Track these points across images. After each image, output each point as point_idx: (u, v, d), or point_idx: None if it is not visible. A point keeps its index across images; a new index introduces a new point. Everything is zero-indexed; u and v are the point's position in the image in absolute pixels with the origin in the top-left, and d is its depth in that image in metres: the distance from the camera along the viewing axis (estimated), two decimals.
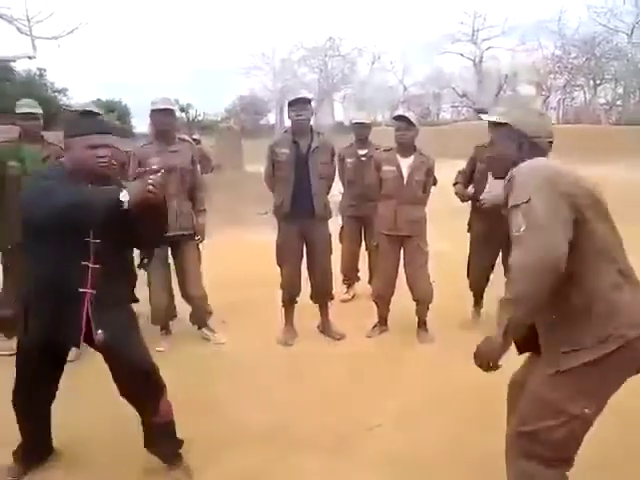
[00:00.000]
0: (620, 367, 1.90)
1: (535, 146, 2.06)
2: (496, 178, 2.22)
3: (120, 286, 2.64)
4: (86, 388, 3.46)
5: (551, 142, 2.11)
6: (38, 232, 2.40)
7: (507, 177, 1.96)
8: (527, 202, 1.81)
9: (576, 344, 1.89)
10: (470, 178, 4.62)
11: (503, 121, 2.13)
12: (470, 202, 4.66)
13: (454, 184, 4.70)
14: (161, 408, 2.71)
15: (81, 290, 2.46)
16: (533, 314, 1.90)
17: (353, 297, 5.59)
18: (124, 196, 2.23)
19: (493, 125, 2.20)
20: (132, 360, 2.64)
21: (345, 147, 5.47)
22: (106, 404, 2.97)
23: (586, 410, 1.90)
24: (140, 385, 2.66)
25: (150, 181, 2.29)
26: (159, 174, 2.34)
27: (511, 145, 2.09)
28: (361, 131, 5.33)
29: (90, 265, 2.46)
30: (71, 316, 2.46)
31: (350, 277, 5.61)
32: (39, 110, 4.29)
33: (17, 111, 4.30)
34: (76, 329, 2.47)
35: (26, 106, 4.28)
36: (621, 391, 1.96)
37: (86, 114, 4.33)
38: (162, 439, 2.77)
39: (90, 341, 2.53)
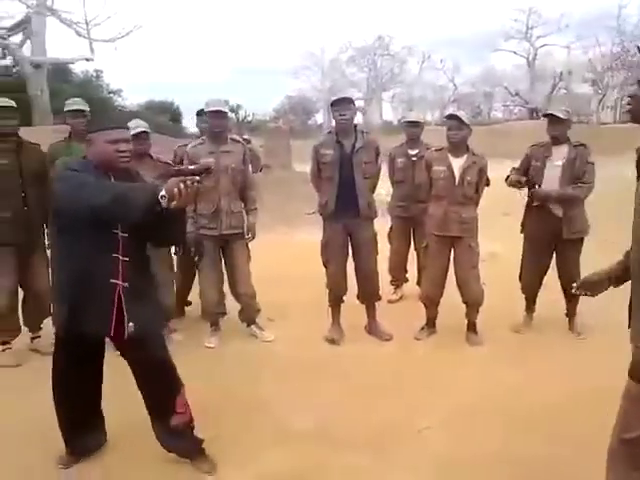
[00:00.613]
0: None
1: None
2: (633, 122, 2.01)
3: (147, 280, 2.70)
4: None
5: None
6: (73, 224, 2.45)
7: None
8: None
9: None
10: (525, 175, 4.50)
11: None
12: (525, 203, 4.55)
13: (506, 178, 4.57)
14: (178, 406, 2.74)
15: (113, 281, 2.51)
16: None
17: (401, 298, 5.54)
18: (163, 197, 2.26)
19: None
20: (156, 355, 2.70)
21: (396, 146, 5.41)
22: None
23: None
24: (160, 380, 2.71)
25: (182, 182, 2.29)
26: (195, 177, 2.34)
27: None
28: (412, 130, 5.25)
29: (120, 257, 2.52)
30: (102, 307, 2.52)
31: (398, 278, 5.56)
32: (87, 107, 4.41)
33: (66, 109, 4.44)
34: (106, 319, 2.52)
35: (75, 104, 4.42)
36: None
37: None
38: (180, 439, 2.77)
39: (115, 334, 2.57)
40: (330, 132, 4.43)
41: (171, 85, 45.61)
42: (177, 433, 2.76)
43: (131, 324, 2.56)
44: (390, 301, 5.37)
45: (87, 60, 20.21)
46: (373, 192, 4.47)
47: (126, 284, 2.54)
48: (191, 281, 4.87)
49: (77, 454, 2.84)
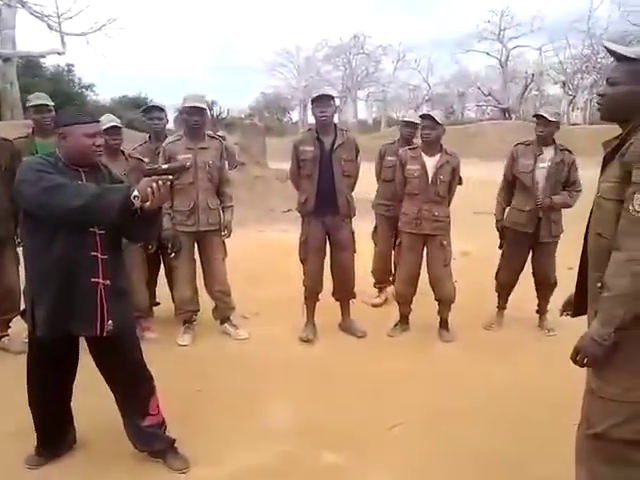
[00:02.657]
0: None
1: None
2: (603, 119, 2.05)
3: (122, 278, 2.67)
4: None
5: None
6: (45, 224, 2.41)
7: (636, 146, 1.81)
8: None
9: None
10: (512, 184, 4.57)
11: (633, 56, 1.89)
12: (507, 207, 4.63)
13: (497, 198, 4.68)
14: (151, 407, 2.74)
15: (94, 280, 2.48)
16: None
17: (385, 301, 5.37)
18: (135, 197, 2.25)
19: (618, 60, 1.97)
20: (132, 354, 2.69)
21: (387, 143, 5.29)
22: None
23: None
24: (135, 381, 2.70)
25: (154, 183, 2.28)
26: (168, 177, 2.33)
27: (634, 85, 1.88)
28: (409, 130, 5.05)
29: (99, 255, 2.49)
30: (86, 306, 2.48)
31: (382, 281, 5.42)
32: (51, 102, 4.34)
33: (29, 104, 4.36)
34: (91, 319, 2.49)
35: (38, 98, 4.33)
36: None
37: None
38: (153, 439, 2.77)
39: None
40: (310, 129, 4.44)
41: (145, 80, 45.07)
42: (150, 433, 2.75)
43: (110, 322, 2.52)
44: (374, 305, 5.29)
45: (59, 54, 19.90)
46: (352, 190, 4.49)
47: (107, 282, 2.51)
48: (156, 279, 4.84)
49: (46, 455, 2.80)
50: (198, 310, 4.58)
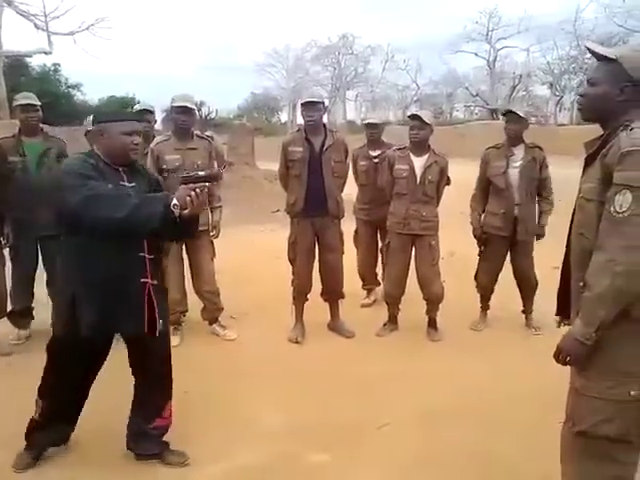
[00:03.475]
0: None
1: (638, 91, 1.88)
2: (584, 119, 2.06)
3: (163, 276, 2.73)
4: None
5: None
6: (93, 231, 2.38)
7: (619, 147, 1.80)
8: None
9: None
10: (487, 189, 4.59)
11: (612, 57, 1.89)
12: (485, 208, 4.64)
13: (471, 205, 4.70)
14: (166, 410, 2.78)
15: (143, 280, 2.51)
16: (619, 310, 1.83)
17: (374, 302, 5.35)
18: (175, 205, 2.25)
19: (598, 60, 1.97)
20: (167, 352, 2.76)
21: (358, 148, 5.29)
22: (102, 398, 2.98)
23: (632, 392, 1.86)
24: (162, 378, 2.74)
25: (193, 192, 2.29)
26: (205, 184, 2.34)
27: (613, 86, 1.89)
28: (372, 131, 5.12)
29: (147, 256, 2.52)
30: (135, 306, 2.51)
31: (370, 282, 5.41)
32: (38, 102, 4.30)
33: (16, 104, 4.32)
34: (141, 318, 2.52)
35: (25, 98, 4.29)
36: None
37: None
38: (151, 443, 2.78)
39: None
40: (299, 129, 4.44)
41: (134, 80, 44.77)
42: (151, 436, 2.77)
43: (161, 321, 2.59)
44: (363, 305, 5.30)
45: (46, 54, 19.77)
46: (341, 191, 4.50)
47: (155, 282, 2.55)
48: None
49: (36, 450, 2.77)
50: (186, 311, 4.57)
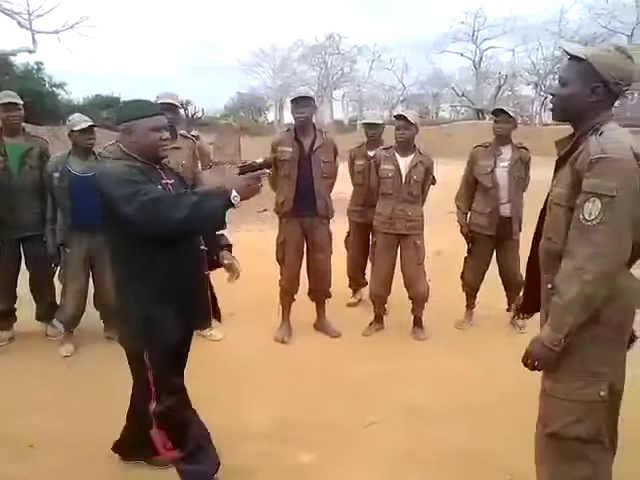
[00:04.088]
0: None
1: (610, 92, 1.88)
2: (555, 120, 2.06)
3: None
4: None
5: (627, 89, 1.92)
6: (157, 236, 2.27)
7: (588, 153, 1.80)
8: (613, 197, 1.73)
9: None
10: (473, 187, 4.61)
11: (582, 56, 1.87)
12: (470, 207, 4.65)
13: (456, 203, 4.71)
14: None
15: (206, 273, 2.52)
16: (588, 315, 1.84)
17: (359, 301, 5.34)
18: (235, 197, 2.17)
19: (569, 59, 1.95)
20: None
21: (356, 147, 5.20)
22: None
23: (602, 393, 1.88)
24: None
25: (253, 180, 2.24)
26: (262, 171, 2.29)
27: (584, 86, 1.88)
28: (371, 131, 4.99)
29: (204, 247, 2.51)
30: (202, 299, 2.52)
31: (357, 282, 5.36)
32: (20, 101, 4.25)
33: None
34: (208, 311, 2.55)
35: (7, 97, 4.23)
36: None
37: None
38: (146, 447, 2.66)
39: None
40: (288, 129, 4.43)
41: (120, 80, 44.47)
42: (147, 442, 2.62)
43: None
44: (349, 304, 5.27)
45: (29, 52, 19.56)
46: (330, 191, 4.49)
47: (208, 273, 2.55)
48: None
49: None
50: None
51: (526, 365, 1.96)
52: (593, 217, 1.76)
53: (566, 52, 1.94)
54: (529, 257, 2.16)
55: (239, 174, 2.30)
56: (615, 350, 1.93)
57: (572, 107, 1.93)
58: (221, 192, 2.24)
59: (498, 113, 4.50)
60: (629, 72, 1.88)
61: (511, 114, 4.42)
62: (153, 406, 2.40)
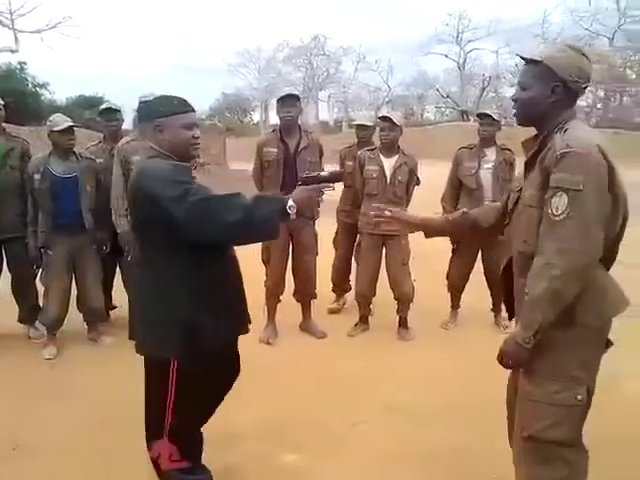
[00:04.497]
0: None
1: (569, 91, 1.89)
2: (519, 124, 2.07)
3: None
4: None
5: (586, 87, 1.94)
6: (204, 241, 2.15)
7: (554, 149, 1.82)
8: (579, 191, 1.73)
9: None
10: (458, 188, 4.63)
11: (538, 59, 1.91)
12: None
13: (442, 204, 4.71)
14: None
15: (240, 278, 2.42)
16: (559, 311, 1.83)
17: (342, 307, 5.23)
18: (291, 207, 2.09)
19: (525, 63, 1.98)
20: None
21: (346, 147, 5.10)
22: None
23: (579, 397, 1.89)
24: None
25: (314, 192, 2.17)
26: (326, 185, 2.21)
27: (544, 87, 1.90)
28: (362, 133, 4.91)
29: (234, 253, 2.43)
30: (243, 304, 2.45)
31: (341, 287, 5.25)
32: (1, 101, 4.19)
33: None
34: (247, 315, 2.49)
35: None
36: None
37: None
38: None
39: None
40: (274, 130, 4.42)
41: (104, 80, 44.09)
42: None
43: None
44: (331, 310, 5.15)
45: (12, 52, 19.37)
46: None
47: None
48: (112, 282, 4.74)
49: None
50: None
51: (501, 363, 1.97)
52: (560, 212, 1.76)
53: (522, 58, 1.97)
54: (505, 263, 2.17)
55: (302, 184, 2.22)
56: (593, 354, 1.93)
57: (534, 109, 1.95)
58: (276, 198, 2.16)
59: (483, 116, 4.54)
60: (586, 70, 1.90)
61: (495, 117, 4.46)
62: (169, 419, 2.28)
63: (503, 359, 1.96)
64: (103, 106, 4.77)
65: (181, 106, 2.24)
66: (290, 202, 2.09)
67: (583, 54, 1.91)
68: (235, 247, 2.41)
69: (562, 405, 1.88)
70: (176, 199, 2.01)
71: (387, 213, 2.31)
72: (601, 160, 1.78)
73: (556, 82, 1.87)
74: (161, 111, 2.23)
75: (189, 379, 2.23)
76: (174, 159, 2.22)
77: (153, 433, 2.36)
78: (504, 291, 2.22)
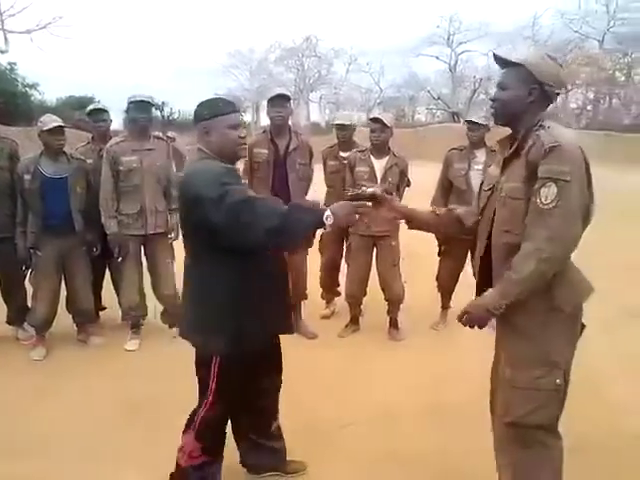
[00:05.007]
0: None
1: (545, 94, 2.02)
2: (497, 124, 2.17)
3: None
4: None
5: (559, 93, 2.09)
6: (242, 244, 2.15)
7: (542, 143, 1.91)
8: (567, 181, 1.86)
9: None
10: (448, 190, 4.65)
11: (518, 62, 2.03)
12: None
13: (432, 204, 4.66)
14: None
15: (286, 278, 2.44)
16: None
17: (333, 313, 5.16)
18: (328, 217, 2.08)
19: (504, 65, 2.09)
20: None
21: (328, 147, 5.05)
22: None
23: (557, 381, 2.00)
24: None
25: (355, 208, 2.17)
26: (364, 203, 2.23)
27: (522, 89, 2.02)
28: (342, 133, 4.87)
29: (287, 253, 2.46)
30: (286, 304, 2.47)
31: (330, 292, 5.18)
32: None
33: None
34: (289, 314, 2.51)
35: None
36: None
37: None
38: (273, 455, 2.75)
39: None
40: (264, 131, 4.41)
41: (96, 81, 43.83)
42: (269, 449, 2.68)
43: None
44: (323, 316, 5.07)
45: (1, 52, 19.27)
46: (306, 194, 4.47)
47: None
48: (101, 283, 4.73)
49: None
50: (145, 314, 4.50)
51: (461, 321, 2.12)
52: (549, 201, 1.88)
53: (502, 59, 2.08)
54: (482, 254, 2.24)
55: (349, 199, 2.25)
56: (570, 340, 2.05)
57: (512, 109, 2.07)
58: (314, 209, 2.17)
59: (470, 123, 4.61)
60: (560, 78, 2.06)
61: (481, 122, 4.51)
62: (202, 412, 2.39)
63: (466, 320, 2.11)
64: (91, 107, 4.75)
65: (225, 107, 2.27)
66: (328, 212, 2.09)
67: (559, 64, 2.07)
68: None
69: (544, 390, 1.99)
70: (215, 201, 2.03)
71: (369, 191, 2.35)
72: (582, 155, 1.92)
73: (534, 84, 2.01)
74: (206, 113, 2.26)
75: (230, 376, 2.31)
76: (222, 161, 2.24)
77: (188, 422, 2.49)
78: (479, 278, 2.33)
